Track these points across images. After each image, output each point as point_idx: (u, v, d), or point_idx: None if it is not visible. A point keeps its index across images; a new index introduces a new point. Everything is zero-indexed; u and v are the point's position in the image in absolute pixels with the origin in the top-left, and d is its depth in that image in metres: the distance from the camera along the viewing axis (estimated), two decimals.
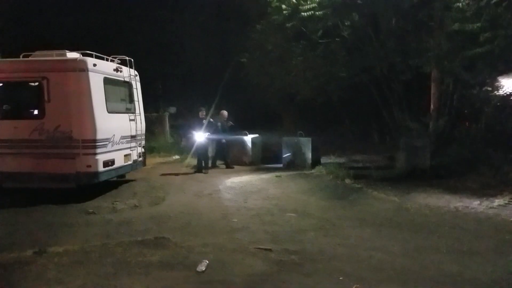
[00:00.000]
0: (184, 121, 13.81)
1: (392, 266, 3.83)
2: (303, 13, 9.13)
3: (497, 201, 6.18)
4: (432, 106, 9.84)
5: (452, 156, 8.74)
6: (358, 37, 9.30)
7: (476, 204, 6.11)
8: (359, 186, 7.59)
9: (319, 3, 8.98)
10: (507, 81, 10.38)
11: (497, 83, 10.22)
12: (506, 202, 6.12)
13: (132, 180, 8.26)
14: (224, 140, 10.45)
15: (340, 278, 3.57)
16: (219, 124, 10.40)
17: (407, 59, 8.86)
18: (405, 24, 8.83)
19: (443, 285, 3.45)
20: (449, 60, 8.27)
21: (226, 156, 10.54)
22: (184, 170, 9.97)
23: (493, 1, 7.52)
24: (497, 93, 10.49)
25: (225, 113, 10.68)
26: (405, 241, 4.53)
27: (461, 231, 4.88)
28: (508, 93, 11.24)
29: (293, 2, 9.25)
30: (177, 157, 12.09)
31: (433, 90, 9.77)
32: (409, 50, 8.75)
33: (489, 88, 10.16)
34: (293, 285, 3.50)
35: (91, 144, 6.50)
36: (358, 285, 3.41)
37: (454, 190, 7.00)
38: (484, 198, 6.38)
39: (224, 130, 10.44)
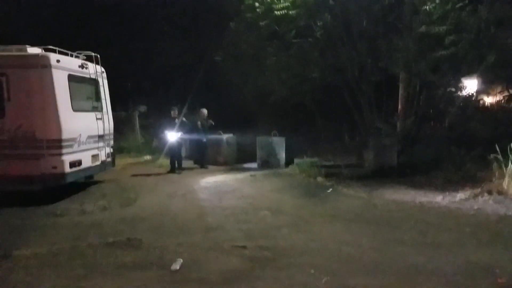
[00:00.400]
0: (155, 121, 13.47)
1: (361, 259, 3.99)
2: (276, 12, 9.16)
3: (459, 196, 6.52)
4: (400, 107, 10.20)
5: (418, 154, 9.14)
6: (330, 38, 9.40)
7: (439, 199, 6.43)
8: (330, 183, 7.78)
9: (292, 2, 9.03)
10: (470, 82, 11.03)
11: (460, 84, 10.81)
12: (467, 196, 6.46)
13: (101, 182, 8.03)
14: (205, 139, 10.31)
15: (312, 271, 3.67)
16: (198, 123, 10.27)
17: (377, 61, 9.12)
18: (375, 26, 9.03)
19: (409, 276, 3.62)
20: (416, 62, 8.57)
21: (203, 156, 10.43)
22: (156, 170, 9.79)
23: (458, 6, 7.89)
24: (460, 94, 11.09)
25: (204, 111, 10.46)
26: (373, 235, 4.70)
27: (425, 225, 5.12)
28: (470, 94, 11.96)
29: (266, 0, 9.26)
30: (148, 157, 11.84)
31: (401, 91, 10.11)
32: (379, 52, 8.98)
33: (453, 89, 10.70)
34: (267, 279, 3.56)
35: (57, 144, 6.26)
36: (328, 278, 3.52)
37: (419, 186, 7.32)
38: (447, 193, 6.72)
39: (204, 129, 10.31)
